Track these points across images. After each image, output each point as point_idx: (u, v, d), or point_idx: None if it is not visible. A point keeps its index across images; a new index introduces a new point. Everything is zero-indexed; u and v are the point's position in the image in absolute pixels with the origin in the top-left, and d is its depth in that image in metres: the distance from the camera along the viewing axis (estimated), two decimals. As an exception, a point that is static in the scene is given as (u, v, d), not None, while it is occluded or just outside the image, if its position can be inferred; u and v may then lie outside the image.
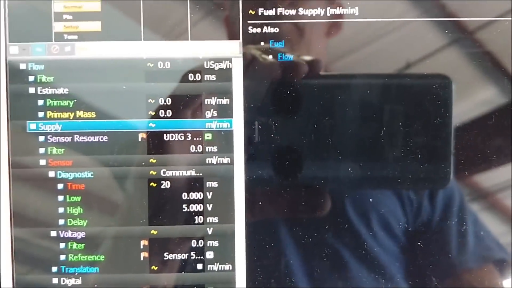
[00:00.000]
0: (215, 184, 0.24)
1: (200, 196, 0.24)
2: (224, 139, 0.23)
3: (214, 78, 0.23)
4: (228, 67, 0.23)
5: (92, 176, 0.23)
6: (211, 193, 0.24)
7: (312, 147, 0.23)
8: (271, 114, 0.23)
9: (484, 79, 0.24)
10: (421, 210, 0.24)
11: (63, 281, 0.24)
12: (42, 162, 0.23)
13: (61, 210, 0.24)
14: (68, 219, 0.24)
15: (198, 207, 0.24)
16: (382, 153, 0.23)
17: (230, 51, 0.23)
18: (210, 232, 0.24)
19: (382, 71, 0.24)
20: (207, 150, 0.23)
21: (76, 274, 0.24)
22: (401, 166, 0.23)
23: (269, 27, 0.23)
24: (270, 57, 0.23)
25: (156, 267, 0.24)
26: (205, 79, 0.23)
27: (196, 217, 0.24)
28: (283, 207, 0.23)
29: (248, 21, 0.23)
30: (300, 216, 0.24)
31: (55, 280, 0.24)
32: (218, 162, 0.24)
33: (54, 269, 0.24)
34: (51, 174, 0.23)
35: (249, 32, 0.23)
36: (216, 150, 0.23)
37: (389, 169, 0.23)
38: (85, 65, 0.23)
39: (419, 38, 0.23)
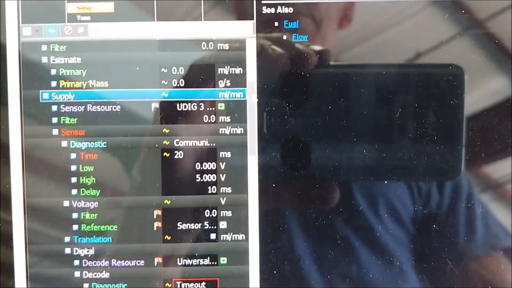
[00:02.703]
0: (228, 154, 0.24)
1: (213, 166, 0.24)
2: (237, 109, 0.23)
3: (227, 47, 0.23)
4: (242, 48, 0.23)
5: (105, 146, 0.23)
6: (224, 163, 0.24)
7: (326, 120, 0.23)
8: (284, 93, 0.23)
9: (497, 69, 0.24)
10: (430, 199, 0.24)
11: (76, 251, 0.24)
12: (55, 132, 0.23)
13: (74, 180, 0.23)
14: (81, 189, 0.23)
15: (212, 177, 0.24)
16: (393, 143, 0.23)
17: (243, 32, 0.23)
18: (223, 202, 0.24)
19: (394, 61, 0.24)
20: (220, 120, 0.23)
21: (89, 244, 0.24)
22: (412, 157, 0.23)
23: (283, 7, 0.23)
24: (284, 37, 0.23)
25: (169, 237, 0.24)
26: (218, 47, 0.23)
27: (209, 187, 0.24)
28: (297, 177, 0.24)
29: (262, 1, 0.23)
30: (312, 189, 0.24)
31: (67, 250, 0.24)
32: (231, 132, 0.23)
33: (67, 239, 0.24)
34: (64, 144, 0.23)
35: (263, 12, 0.23)
36: (229, 120, 0.23)
37: (400, 159, 0.23)
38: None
39: (430, 27, 0.23)
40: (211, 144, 0.24)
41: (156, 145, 0.23)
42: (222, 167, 0.24)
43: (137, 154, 0.23)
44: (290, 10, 0.23)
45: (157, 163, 0.23)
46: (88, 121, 0.23)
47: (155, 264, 0.24)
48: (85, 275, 0.24)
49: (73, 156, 0.23)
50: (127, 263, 0.24)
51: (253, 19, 0.23)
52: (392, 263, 0.24)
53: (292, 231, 0.24)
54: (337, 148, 0.23)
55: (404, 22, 0.23)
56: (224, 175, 0.24)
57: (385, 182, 0.24)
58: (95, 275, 0.24)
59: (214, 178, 0.24)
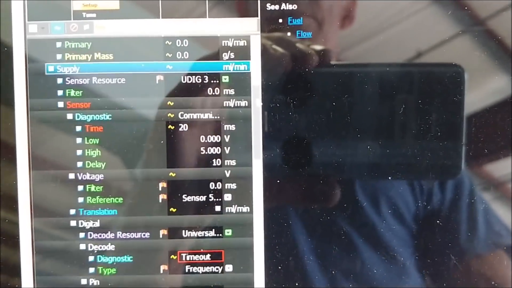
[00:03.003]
0: (232, 127, 0.24)
1: (218, 139, 0.24)
2: (241, 82, 0.24)
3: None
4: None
5: (110, 118, 0.24)
6: (228, 136, 0.24)
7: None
8: (287, 91, 0.23)
9: (498, 68, 0.24)
10: (432, 197, 0.24)
11: (81, 224, 0.24)
12: (60, 104, 0.23)
13: (79, 152, 0.24)
14: (86, 162, 0.24)
15: (216, 150, 0.24)
16: (394, 141, 0.23)
17: (248, 29, 0.23)
18: (228, 175, 0.24)
19: (395, 60, 0.24)
20: (224, 93, 0.24)
21: (94, 216, 0.24)
22: (413, 155, 0.23)
23: (287, 3, 0.23)
24: (288, 34, 0.23)
25: (175, 209, 0.24)
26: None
27: (214, 160, 0.24)
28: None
29: None
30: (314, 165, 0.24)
31: (73, 223, 0.24)
32: (236, 105, 0.24)
33: (72, 211, 0.24)
34: (69, 116, 0.23)
35: (267, 9, 0.23)
36: (233, 93, 0.24)
37: (401, 158, 0.23)
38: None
39: (431, 27, 0.23)
40: (216, 117, 0.24)
41: (161, 118, 0.24)
42: (227, 139, 0.24)
43: (142, 127, 0.24)
44: (294, 6, 0.23)
45: (162, 136, 0.24)
46: (93, 94, 0.23)
47: (161, 236, 0.24)
48: (90, 247, 0.24)
49: (78, 128, 0.24)
50: (132, 235, 0.24)
51: (257, 16, 0.23)
52: (394, 259, 0.24)
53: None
54: (339, 146, 0.23)
55: (406, 21, 0.24)
56: (229, 148, 0.24)
57: (387, 179, 0.24)
58: (101, 247, 0.24)
59: (218, 150, 0.24)
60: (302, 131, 0.23)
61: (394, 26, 0.24)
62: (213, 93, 0.24)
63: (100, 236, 0.24)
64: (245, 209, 0.24)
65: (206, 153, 0.24)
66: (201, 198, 0.24)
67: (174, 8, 0.23)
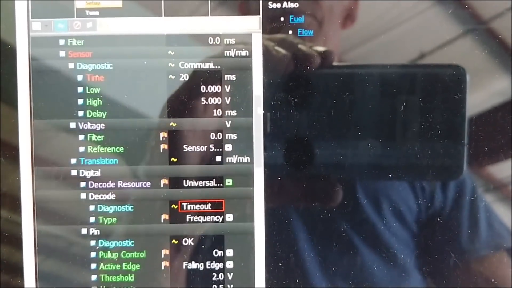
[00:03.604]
0: (233, 77, 0.24)
1: (219, 89, 0.24)
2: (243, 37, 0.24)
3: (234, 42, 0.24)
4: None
5: (111, 68, 0.24)
6: (229, 86, 0.24)
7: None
8: (289, 88, 0.24)
9: (499, 70, 0.24)
10: (433, 199, 0.24)
11: (82, 173, 0.24)
12: (62, 53, 0.24)
13: (80, 101, 0.24)
14: (88, 111, 0.24)
15: (217, 100, 0.24)
16: (395, 142, 0.24)
17: (249, 27, 0.24)
18: (228, 125, 0.24)
19: (397, 61, 0.24)
20: (225, 42, 0.24)
21: (95, 165, 0.24)
22: (414, 157, 0.23)
23: (289, 2, 0.24)
24: (290, 32, 0.23)
25: (176, 159, 0.24)
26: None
27: (214, 110, 0.24)
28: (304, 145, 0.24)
29: None
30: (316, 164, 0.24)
31: (74, 172, 0.24)
32: (236, 54, 0.24)
33: (73, 161, 0.24)
34: (71, 65, 0.24)
35: (269, 7, 0.24)
36: (234, 42, 0.24)
37: (402, 159, 0.24)
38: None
39: (433, 28, 0.24)
40: (216, 67, 0.24)
41: (162, 68, 0.24)
42: (227, 90, 0.24)
43: (143, 76, 0.24)
44: (296, 5, 0.23)
45: (163, 86, 0.24)
46: (94, 43, 0.24)
47: (161, 186, 0.24)
48: (91, 197, 0.24)
49: (79, 78, 0.24)
50: (133, 184, 0.24)
51: (259, 14, 0.24)
52: (395, 258, 0.24)
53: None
54: (340, 146, 0.24)
55: (408, 22, 0.24)
56: (229, 98, 0.24)
57: (388, 179, 0.24)
58: (101, 197, 0.24)
59: (219, 101, 0.24)
60: (304, 129, 0.24)
61: (396, 27, 0.24)
62: (214, 43, 0.24)
63: (100, 185, 0.24)
64: (245, 159, 0.24)
65: (207, 103, 0.24)
66: (202, 148, 0.24)
67: (176, 6, 0.24)
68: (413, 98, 0.23)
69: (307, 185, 0.24)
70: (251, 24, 0.24)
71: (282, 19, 0.23)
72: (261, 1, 0.23)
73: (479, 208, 0.24)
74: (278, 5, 0.23)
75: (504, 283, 0.25)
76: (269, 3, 0.23)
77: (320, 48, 0.23)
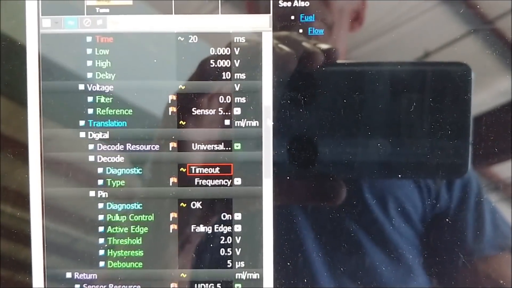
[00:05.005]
0: (242, 39, 0.24)
1: (228, 52, 0.24)
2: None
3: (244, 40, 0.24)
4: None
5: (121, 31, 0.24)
6: (238, 48, 0.24)
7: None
8: (298, 87, 0.24)
9: (505, 69, 0.24)
10: (439, 198, 0.24)
11: (90, 135, 0.24)
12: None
13: (89, 63, 0.24)
14: (96, 72, 0.24)
15: (226, 63, 0.24)
16: (401, 140, 0.23)
17: (260, 25, 0.23)
18: (237, 89, 0.24)
19: (402, 59, 0.24)
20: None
21: (104, 128, 0.24)
22: (419, 155, 0.23)
23: (299, 0, 0.23)
24: (300, 31, 0.23)
25: (184, 122, 0.24)
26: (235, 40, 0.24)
27: (223, 73, 0.24)
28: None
29: None
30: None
31: (82, 134, 0.24)
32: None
33: (82, 123, 0.24)
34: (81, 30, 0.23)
35: (280, 6, 0.23)
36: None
37: (407, 156, 0.23)
38: None
39: (439, 26, 0.23)
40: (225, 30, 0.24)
41: (171, 31, 0.24)
42: (236, 52, 0.24)
43: (152, 39, 0.24)
44: (307, 4, 0.23)
45: (172, 48, 0.24)
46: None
47: (170, 149, 0.24)
48: (99, 159, 0.24)
49: (88, 39, 0.24)
50: (142, 147, 0.24)
51: (269, 13, 0.23)
52: (402, 258, 0.24)
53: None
54: (346, 144, 0.24)
55: (414, 21, 0.24)
56: (238, 60, 0.24)
57: (394, 178, 0.24)
58: (110, 159, 0.24)
59: (228, 63, 0.24)
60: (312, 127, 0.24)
61: (402, 25, 0.24)
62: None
63: (109, 148, 0.24)
64: (254, 123, 0.24)
65: (216, 66, 0.24)
66: (211, 112, 0.24)
67: (187, 4, 0.23)
68: (418, 96, 0.23)
69: (313, 154, 0.24)
70: (262, 23, 0.24)
71: (292, 17, 0.23)
72: (271, 0, 0.23)
73: (484, 208, 0.24)
74: (289, 4, 0.23)
75: (508, 283, 0.25)
76: (280, 1, 0.23)
77: (329, 46, 0.23)
